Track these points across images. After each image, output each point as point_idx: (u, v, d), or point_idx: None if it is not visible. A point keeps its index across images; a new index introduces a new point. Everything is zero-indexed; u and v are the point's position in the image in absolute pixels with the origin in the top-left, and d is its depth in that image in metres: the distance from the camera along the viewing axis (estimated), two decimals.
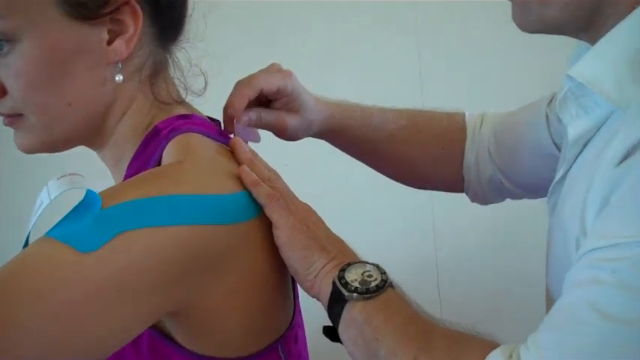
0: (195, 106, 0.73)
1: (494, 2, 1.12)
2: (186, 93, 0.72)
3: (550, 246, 0.65)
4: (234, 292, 0.62)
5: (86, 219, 0.52)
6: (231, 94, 0.76)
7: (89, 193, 0.53)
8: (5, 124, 0.65)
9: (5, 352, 0.46)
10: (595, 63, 0.58)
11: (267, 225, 0.65)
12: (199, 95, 0.73)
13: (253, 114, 0.79)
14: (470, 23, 1.70)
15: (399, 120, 0.92)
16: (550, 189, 0.69)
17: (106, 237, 0.51)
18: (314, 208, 0.70)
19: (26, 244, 0.54)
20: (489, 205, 0.96)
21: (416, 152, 0.93)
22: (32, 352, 0.48)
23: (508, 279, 1.76)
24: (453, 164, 0.94)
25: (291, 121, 0.83)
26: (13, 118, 0.64)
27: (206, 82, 0.73)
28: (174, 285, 0.56)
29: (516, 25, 0.63)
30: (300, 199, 0.70)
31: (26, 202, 0.54)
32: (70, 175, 0.54)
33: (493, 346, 0.55)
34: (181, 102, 0.71)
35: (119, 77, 0.64)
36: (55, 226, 0.52)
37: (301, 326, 0.77)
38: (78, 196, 0.53)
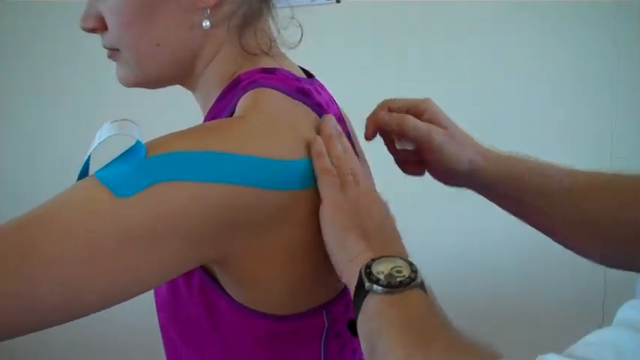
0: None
1: None
2: (270, 45, 0.71)
3: None
4: (275, 253, 0.62)
5: (128, 165, 0.54)
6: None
7: (137, 140, 0.55)
8: (108, 57, 0.70)
9: (23, 278, 0.49)
10: None
11: (309, 200, 0.64)
12: (292, 48, 0.71)
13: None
14: None
15: (578, 175, 0.75)
16: None
17: (141, 185, 0.53)
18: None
19: (79, 179, 0.58)
20: None
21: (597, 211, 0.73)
22: (50, 284, 0.50)
23: None
24: None
25: (438, 135, 0.76)
26: (113, 52, 0.69)
27: (302, 35, 0.71)
28: (204, 240, 0.57)
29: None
30: None
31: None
32: (122, 120, 0.57)
33: (494, 357, 0.50)
34: (270, 54, 0.70)
35: (206, 23, 0.65)
36: (105, 166, 0.55)
37: None
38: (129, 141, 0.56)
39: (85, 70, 1.72)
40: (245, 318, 0.64)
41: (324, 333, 0.68)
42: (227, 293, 0.64)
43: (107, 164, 0.56)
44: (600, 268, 0.76)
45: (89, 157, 0.57)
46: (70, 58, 1.78)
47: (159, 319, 0.72)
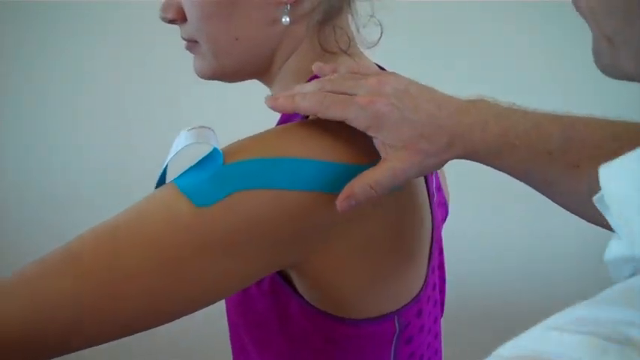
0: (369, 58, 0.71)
1: None
2: (349, 44, 0.69)
3: None
4: (348, 257, 0.61)
5: (206, 173, 0.54)
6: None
7: (214, 147, 0.55)
8: (185, 48, 0.71)
9: (108, 293, 0.50)
10: None
11: (389, 200, 0.61)
12: (371, 47, 0.70)
13: None
14: None
15: (593, 143, 0.60)
16: None
17: (221, 194, 0.53)
18: None
19: (157, 187, 0.58)
20: None
21: None
22: (134, 296, 0.51)
23: None
24: None
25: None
26: (191, 44, 0.69)
27: (382, 34, 0.69)
28: (280, 247, 0.57)
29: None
30: None
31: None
32: (199, 128, 0.56)
33: None
34: (349, 53, 0.69)
35: (286, 19, 0.65)
36: (183, 173, 0.55)
37: (437, 305, 0.74)
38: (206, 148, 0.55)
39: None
40: (316, 320, 0.63)
41: (395, 339, 0.66)
42: (299, 295, 0.64)
43: (185, 172, 0.55)
44: None
45: (167, 165, 0.57)
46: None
47: (228, 317, 0.72)
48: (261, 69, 0.69)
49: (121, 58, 1.78)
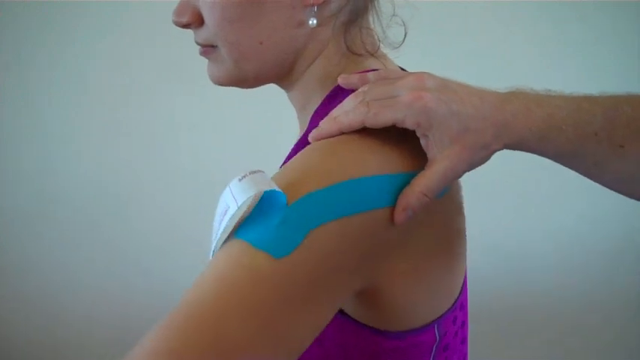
0: (391, 59, 0.68)
1: None
2: (378, 45, 0.68)
3: None
4: (403, 272, 0.58)
5: (273, 219, 0.49)
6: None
7: (273, 190, 0.50)
8: (200, 54, 0.66)
9: None
10: None
11: (436, 204, 0.59)
12: (396, 48, 0.68)
13: None
14: None
15: (635, 122, 0.60)
16: None
17: (298, 238, 0.49)
18: None
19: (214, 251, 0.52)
20: None
21: None
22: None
23: None
24: None
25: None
26: (207, 49, 0.65)
27: (405, 34, 0.67)
28: (357, 271, 0.54)
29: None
30: None
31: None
32: (251, 174, 0.50)
33: None
34: (374, 54, 0.67)
35: (312, 21, 0.62)
36: (244, 226, 0.50)
37: (464, 308, 0.72)
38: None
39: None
40: (357, 335, 0.61)
41: (434, 348, 0.65)
42: (346, 312, 0.61)
43: (247, 225, 0.50)
44: None
45: (225, 226, 0.51)
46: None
47: None
48: (282, 73, 0.66)
49: (119, 57, 1.72)
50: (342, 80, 0.62)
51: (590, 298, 1.97)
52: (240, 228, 0.50)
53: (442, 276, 0.63)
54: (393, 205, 0.53)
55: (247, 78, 0.65)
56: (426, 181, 0.54)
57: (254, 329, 0.46)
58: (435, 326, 0.64)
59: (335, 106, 0.61)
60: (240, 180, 0.50)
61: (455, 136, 0.54)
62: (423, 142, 0.55)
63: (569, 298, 1.97)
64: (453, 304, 0.66)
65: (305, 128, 0.66)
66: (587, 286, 1.97)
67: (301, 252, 0.49)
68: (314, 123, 0.64)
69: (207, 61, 0.67)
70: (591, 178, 0.63)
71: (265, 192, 0.49)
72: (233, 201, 0.49)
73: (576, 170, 0.62)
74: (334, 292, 0.52)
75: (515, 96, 0.57)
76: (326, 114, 0.62)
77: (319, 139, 0.56)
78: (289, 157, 0.66)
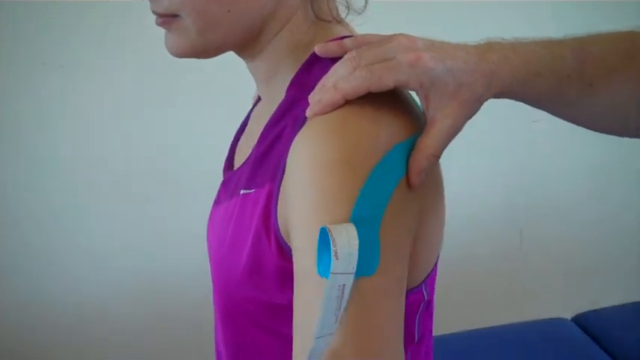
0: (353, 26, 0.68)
1: None
2: (348, 11, 0.68)
3: None
4: (416, 235, 0.59)
5: (354, 244, 0.49)
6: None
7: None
8: (158, 24, 0.64)
9: None
10: None
11: None
12: (359, 14, 0.67)
13: None
14: None
15: (603, 61, 0.62)
16: None
17: (374, 247, 0.50)
18: None
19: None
20: None
21: (620, 106, 0.66)
22: None
23: None
24: None
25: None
26: (168, 19, 0.63)
27: (367, 0, 0.67)
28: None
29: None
30: None
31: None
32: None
33: None
34: (341, 21, 0.67)
35: None
36: (324, 263, 0.49)
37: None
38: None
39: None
40: None
41: (421, 307, 0.66)
42: None
43: (323, 259, 0.49)
44: None
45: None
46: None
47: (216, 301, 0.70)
48: (247, 42, 0.65)
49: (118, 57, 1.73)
50: (319, 49, 0.62)
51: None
52: (326, 266, 0.49)
53: (436, 233, 0.64)
54: (405, 172, 0.55)
55: (211, 48, 0.64)
56: (432, 143, 0.55)
57: (395, 338, 0.50)
58: (424, 285, 0.64)
59: (315, 75, 0.62)
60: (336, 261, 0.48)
61: (452, 93, 0.55)
62: (422, 102, 0.57)
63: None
64: (437, 259, 0.67)
65: (280, 98, 0.65)
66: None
67: (382, 255, 0.50)
68: (292, 92, 0.64)
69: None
70: (564, 118, 0.66)
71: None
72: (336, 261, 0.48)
73: (550, 111, 0.64)
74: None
75: (492, 46, 0.58)
76: (305, 83, 0.62)
77: (325, 112, 0.55)
78: (265, 135, 0.65)
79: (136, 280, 1.83)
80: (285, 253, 0.59)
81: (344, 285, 0.47)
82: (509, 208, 2.15)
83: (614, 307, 1.75)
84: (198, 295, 1.44)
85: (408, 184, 0.55)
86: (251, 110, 0.82)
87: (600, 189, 2.20)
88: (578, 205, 2.19)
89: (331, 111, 0.55)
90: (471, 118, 0.57)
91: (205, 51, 0.64)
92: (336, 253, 0.46)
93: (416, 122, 0.58)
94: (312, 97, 0.57)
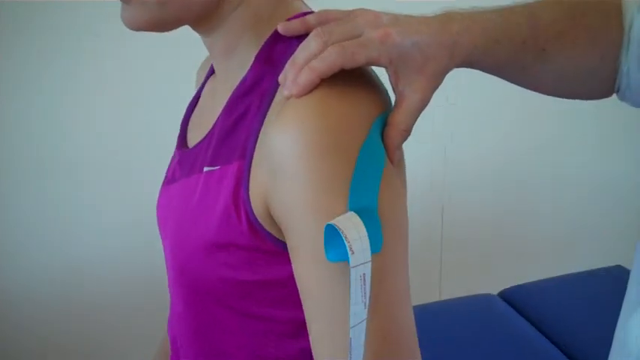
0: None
1: None
2: None
3: None
4: None
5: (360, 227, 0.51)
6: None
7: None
8: None
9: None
10: None
11: None
12: None
13: None
14: None
15: (552, 26, 0.64)
16: None
17: (377, 227, 0.52)
18: None
19: None
20: None
21: (570, 69, 0.68)
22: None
23: None
24: (608, 77, 0.69)
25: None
26: None
27: None
28: None
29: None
30: None
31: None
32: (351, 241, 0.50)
33: None
34: None
35: None
36: (337, 248, 0.51)
37: None
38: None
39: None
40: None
41: None
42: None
43: (337, 247, 0.51)
44: None
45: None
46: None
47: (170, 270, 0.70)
48: (206, 15, 0.64)
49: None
50: (282, 28, 0.62)
51: None
52: (339, 252, 0.51)
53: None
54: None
55: (169, 21, 0.63)
56: (404, 118, 0.57)
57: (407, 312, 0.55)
58: None
59: (280, 51, 0.62)
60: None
61: (420, 67, 0.56)
62: (392, 78, 0.58)
63: None
64: None
65: (240, 73, 0.65)
66: None
67: (385, 229, 0.52)
68: (258, 68, 0.63)
69: None
70: (520, 84, 0.68)
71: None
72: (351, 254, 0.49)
73: (507, 78, 0.67)
74: None
75: (452, 16, 0.59)
76: (271, 58, 0.63)
77: (304, 94, 0.55)
78: (228, 110, 0.65)
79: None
80: (257, 232, 0.59)
81: (364, 274, 0.49)
82: (433, 190, 2.21)
83: (536, 282, 1.83)
84: None
85: (390, 161, 0.56)
86: (202, 86, 0.80)
87: (517, 172, 2.30)
88: (497, 188, 2.28)
89: (310, 91, 0.55)
90: (437, 89, 0.59)
91: (164, 24, 0.63)
92: (350, 247, 0.48)
93: (384, 97, 0.60)
94: (285, 76, 0.57)
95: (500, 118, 2.17)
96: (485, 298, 1.80)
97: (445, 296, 1.82)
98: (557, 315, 1.68)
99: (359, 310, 0.49)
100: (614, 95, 0.71)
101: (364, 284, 0.49)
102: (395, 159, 0.57)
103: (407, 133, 0.57)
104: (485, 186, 2.25)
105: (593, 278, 1.80)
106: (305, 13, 0.64)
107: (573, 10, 0.65)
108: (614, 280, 1.74)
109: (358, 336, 0.49)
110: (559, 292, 1.77)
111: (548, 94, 0.71)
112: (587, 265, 1.90)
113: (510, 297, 1.79)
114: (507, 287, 1.84)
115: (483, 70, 0.63)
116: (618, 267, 1.83)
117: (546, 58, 0.64)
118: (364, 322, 0.50)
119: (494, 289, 1.85)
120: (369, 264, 0.49)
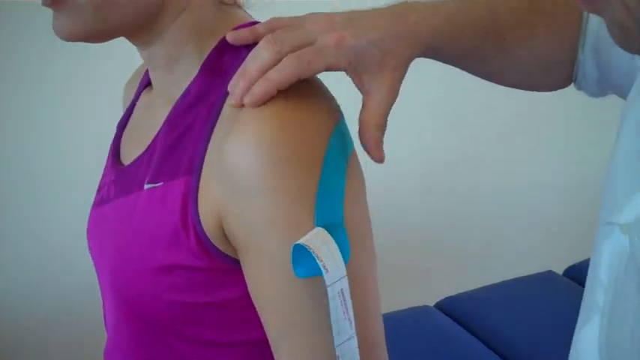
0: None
1: None
2: None
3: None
4: None
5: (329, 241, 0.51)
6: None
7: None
8: (46, 5, 0.58)
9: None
10: None
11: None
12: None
13: None
14: None
15: (511, 14, 0.65)
16: None
17: (344, 238, 0.51)
18: None
19: None
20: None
21: (530, 59, 0.68)
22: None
23: None
24: (566, 67, 0.70)
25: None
26: None
27: None
28: None
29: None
30: None
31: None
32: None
33: None
34: (241, 6, 0.65)
35: None
36: (307, 263, 0.49)
37: None
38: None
39: None
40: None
41: None
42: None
43: (306, 263, 0.49)
44: None
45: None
46: None
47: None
48: (144, 26, 0.60)
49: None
50: (231, 37, 0.59)
51: None
52: (308, 268, 0.50)
53: None
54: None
55: (104, 31, 0.59)
56: (375, 115, 0.56)
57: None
58: None
59: (227, 62, 0.60)
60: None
61: (380, 62, 0.56)
62: (355, 79, 0.57)
63: None
64: None
65: (182, 86, 0.62)
66: None
67: (350, 238, 0.52)
68: (204, 80, 0.60)
69: None
70: (478, 74, 0.69)
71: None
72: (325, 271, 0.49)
73: (467, 69, 0.67)
74: None
75: (414, 6, 0.59)
76: (218, 70, 0.60)
77: (259, 104, 0.53)
78: (171, 124, 0.61)
79: None
80: (208, 250, 0.56)
81: (342, 289, 0.48)
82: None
83: (471, 292, 1.85)
84: None
85: (377, 160, 0.56)
86: (134, 100, 0.76)
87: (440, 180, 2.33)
88: (419, 196, 2.30)
89: (263, 103, 0.53)
90: (403, 78, 0.58)
91: (99, 34, 0.60)
92: (324, 266, 0.47)
93: (336, 105, 0.59)
94: (235, 86, 0.55)
95: (424, 123, 2.20)
96: (422, 310, 1.80)
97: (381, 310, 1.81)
98: (494, 321, 1.70)
99: (344, 327, 0.48)
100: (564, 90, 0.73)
101: (344, 300, 0.48)
102: (380, 155, 0.56)
103: (382, 127, 0.57)
104: (413, 200, 2.27)
105: (526, 284, 1.84)
106: (252, 23, 0.62)
107: (533, 2, 0.66)
108: (546, 284, 1.79)
109: (348, 354, 0.48)
110: (495, 300, 1.79)
111: (508, 86, 0.72)
112: (519, 271, 1.94)
113: (447, 307, 1.81)
114: (442, 298, 1.86)
115: (445, 61, 0.63)
116: (550, 272, 1.87)
117: (506, 47, 0.64)
118: (354, 339, 0.48)
119: (430, 301, 1.86)
120: (346, 278, 0.48)
